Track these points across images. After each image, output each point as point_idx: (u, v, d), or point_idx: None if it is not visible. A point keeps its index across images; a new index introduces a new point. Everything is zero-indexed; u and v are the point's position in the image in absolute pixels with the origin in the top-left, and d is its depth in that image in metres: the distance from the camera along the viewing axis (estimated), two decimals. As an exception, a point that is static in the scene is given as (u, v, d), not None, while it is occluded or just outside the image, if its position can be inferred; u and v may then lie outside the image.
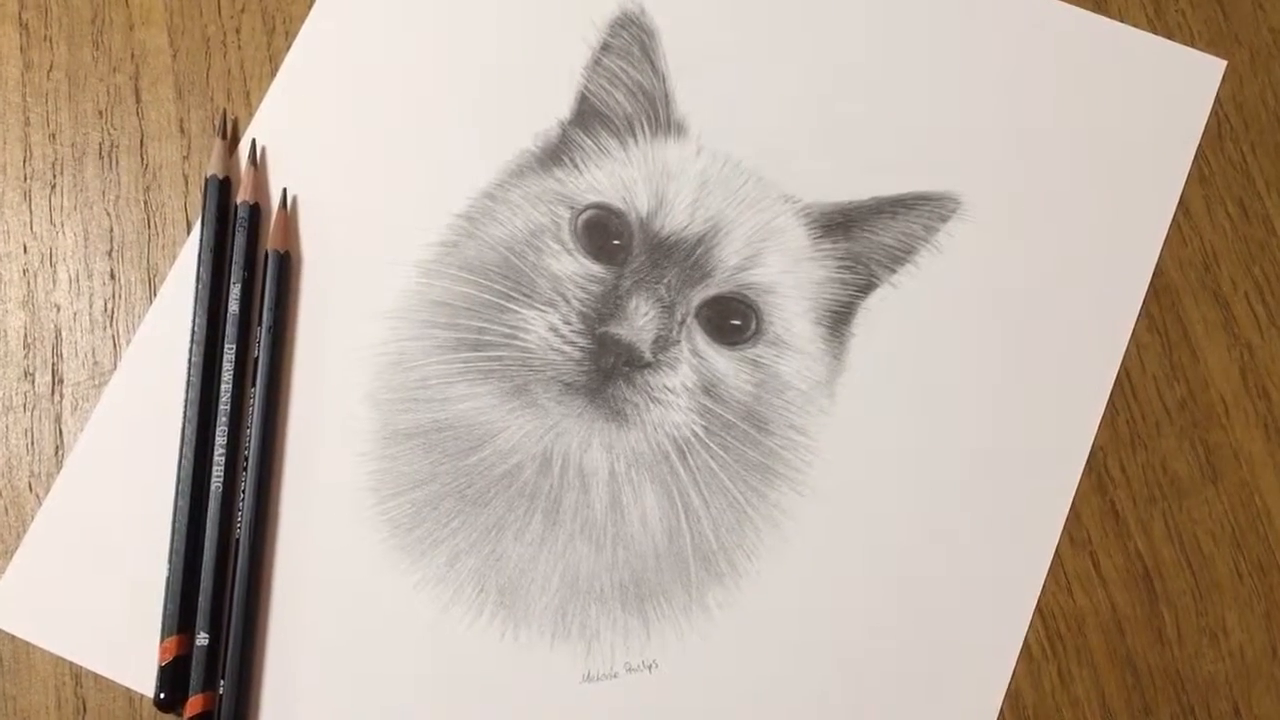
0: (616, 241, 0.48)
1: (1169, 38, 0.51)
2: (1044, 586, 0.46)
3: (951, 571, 0.46)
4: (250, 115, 0.51)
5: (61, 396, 0.48)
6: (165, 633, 0.44)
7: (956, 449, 0.47)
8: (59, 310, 0.49)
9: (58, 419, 0.48)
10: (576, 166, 0.50)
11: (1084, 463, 0.47)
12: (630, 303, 0.47)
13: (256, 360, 0.47)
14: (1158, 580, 0.46)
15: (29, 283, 0.49)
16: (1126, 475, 0.47)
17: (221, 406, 0.46)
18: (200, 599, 0.45)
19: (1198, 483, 0.47)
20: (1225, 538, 0.46)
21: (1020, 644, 0.45)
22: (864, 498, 0.47)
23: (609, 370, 0.47)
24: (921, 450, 0.47)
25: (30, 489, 0.47)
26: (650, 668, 0.45)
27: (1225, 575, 0.46)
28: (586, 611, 0.46)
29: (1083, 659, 0.45)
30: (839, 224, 0.49)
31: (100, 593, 0.46)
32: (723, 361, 0.47)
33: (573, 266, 0.48)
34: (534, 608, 0.46)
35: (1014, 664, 0.45)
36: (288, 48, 0.51)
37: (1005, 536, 0.46)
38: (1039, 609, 0.45)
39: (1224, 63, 0.51)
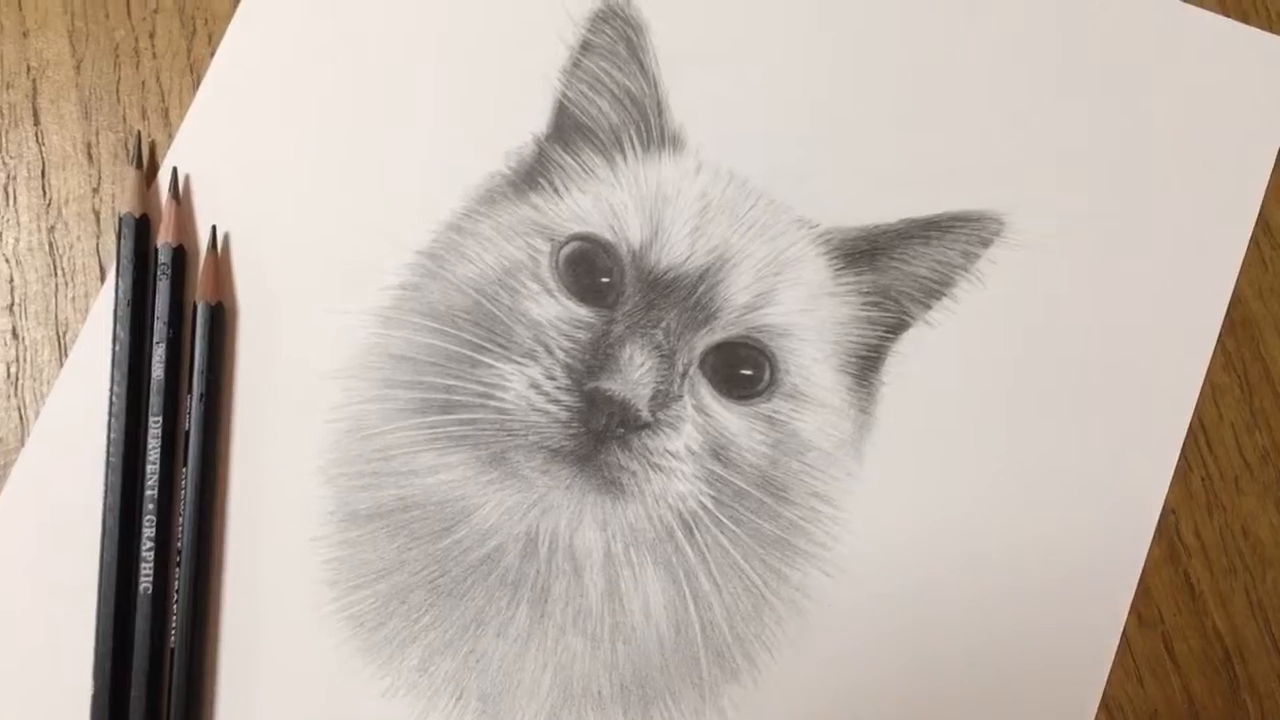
0: (605, 279, 0.42)
1: (1243, 21, 0.44)
2: (1110, 675, 0.40)
3: (1003, 661, 0.40)
4: (170, 138, 0.43)
5: (-39, 480, 0.41)
6: (93, 761, 0.39)
7: (1005, 517, 0.41)
8: (-46, 377, 0.42)
9: (-43, 507, 0.41)
10: (556, 190, 0.43)
11: (1153, 529, 0.41)
12: (623, 352, 0.41)
13: (188, 434, 0.41)
14: (1239, 664, 0.41)
15: (-83, 345, 0.42)
16: (1202, 542, 0.41)
17: (148, 491, 0.40)
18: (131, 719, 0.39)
19: (1284, 549, 0.41)
20: (1316, 613, 0.41)
21: (1083, 742, 0.40)
22: (900, 577, 0.41)
23: (601, 433, 0.41)
24: (965, 520, 0.41)
25: (-72, 592, 0.40)
26: (659, 785, 0.40)
27: (1317, 657, 0.40)
28: (583, 719, 0.40)
29: (1155, 757, 0.40)
30: (864, 252, 0.43)
31: (16, 713, 0.40)
32: (733, 419, 0.41)
33: (555, 310, 0.42)
34: (522, 716, 0.40)
35: (1077, 766, 0.40)
36: (211, 54, 0.44)
37: (1065, 618, 0.41)
38: (1105, 702, 0.40)
39: (1307, 49, 0.44)
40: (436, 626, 0.40)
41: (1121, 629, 0.41)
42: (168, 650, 0.40)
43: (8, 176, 0.43)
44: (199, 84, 0.44)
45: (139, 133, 0.43)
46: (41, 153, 0.43)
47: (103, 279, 0.43)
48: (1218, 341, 0.42)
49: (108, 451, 0.40)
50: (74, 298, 0.43)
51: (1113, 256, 0.43)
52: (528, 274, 0.42)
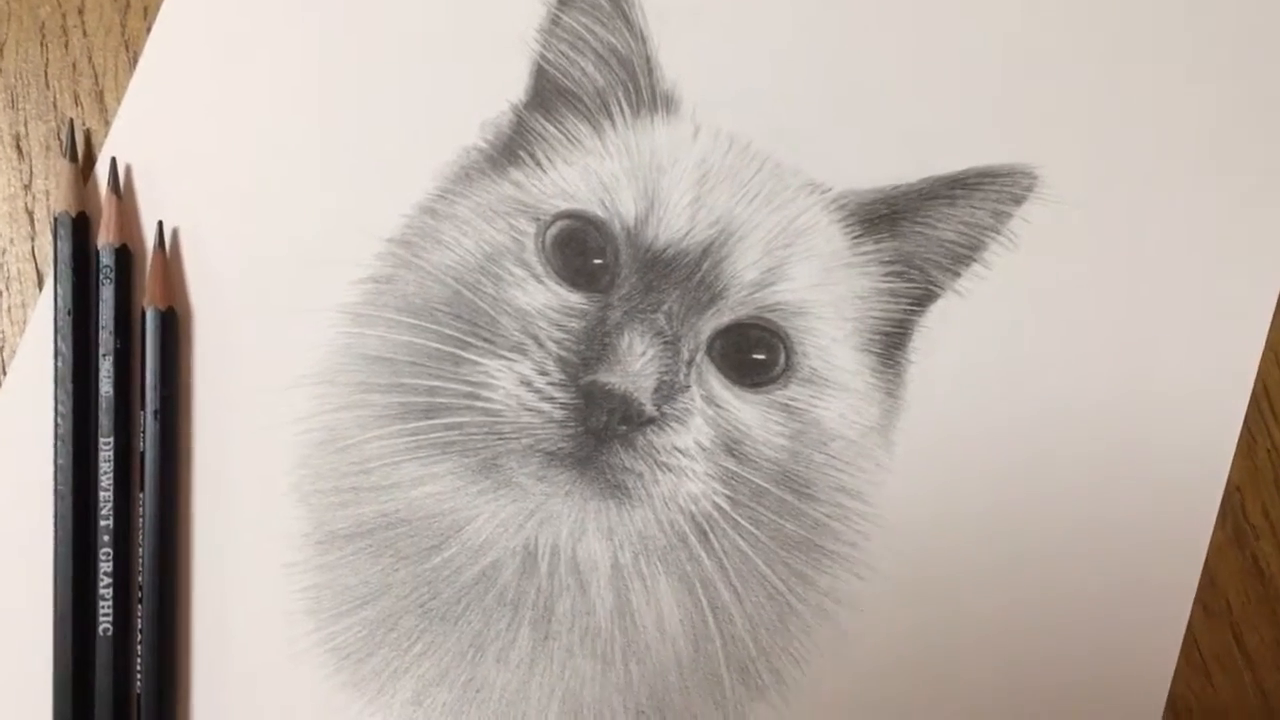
0: (598, 260, 0.39)
1: (1293, -60, 0.40)
2: (1175, 672, 0.37)
3: (1056, 664, 0.37)
4: (107, 125, 0.40)
5: (-105, 517, 0.38)
6: (55, 822, 0.36)
7: (1051, 505, 0.38)
8: (-119, 403, 0.38)
9: (-106, 548, 0.37)
10: (539, 164, 0.39)
11: (1216, 509, 0.38)
12: (622, 340, 0.38)
13: (143, 455, 0.38)
14: (1317, 655, 0.37)
15: None
16: (1271, 522, 0.38)
17: (103, 521, 0.37)
18: (97, 776, 0.36)
19: (1362, 525, 0.38)
20: (1400, 594, 0.38)
21: (1149, 748, 0.37)
22: (938, 576, 0.38)
23: (601, 431, 0.37)
24: (1007, 510, 0.38)
25: None
26: (684, 819, 0.37)
27: (1402, 643, 0.37)
28: (596, 749, 0.37)
29: (1227, 761, 0.37)
30: (882, 217, 0.39)
31: (-30, 773, 0.37)
32: (746, 409, 0.38)
33: (544, 297, 0.38)
34: (529, 749, 0.37)
35: (1142, 773, 0.37)
36: (148, 29, 0.40)
37: (1122, 612, 0.37)
38: (1171, 701, 0.37)
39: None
40: (430, 655, 0.38)
41: (1186, 621, 0.38)
42: (133, 696, 0.37)
43: (-72, 177, 0.39)
44: (136, 63, 0.40)
45: (72, 121, 0.39)
46: (-35, 148, 0.39)
47: (40, 286, 0.39)
48: (1279, 299, 0.38)
49: (55, 479, 0.37)
50: (10, 308, 0.39)
51: (1158, 210, 0.39)
52: (512, 258, 0.39)
